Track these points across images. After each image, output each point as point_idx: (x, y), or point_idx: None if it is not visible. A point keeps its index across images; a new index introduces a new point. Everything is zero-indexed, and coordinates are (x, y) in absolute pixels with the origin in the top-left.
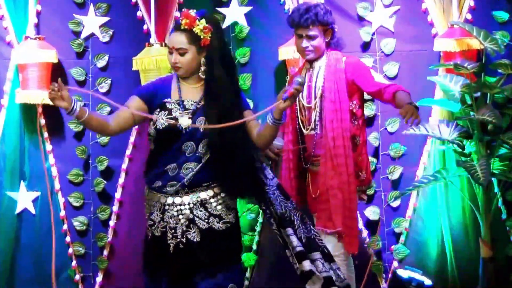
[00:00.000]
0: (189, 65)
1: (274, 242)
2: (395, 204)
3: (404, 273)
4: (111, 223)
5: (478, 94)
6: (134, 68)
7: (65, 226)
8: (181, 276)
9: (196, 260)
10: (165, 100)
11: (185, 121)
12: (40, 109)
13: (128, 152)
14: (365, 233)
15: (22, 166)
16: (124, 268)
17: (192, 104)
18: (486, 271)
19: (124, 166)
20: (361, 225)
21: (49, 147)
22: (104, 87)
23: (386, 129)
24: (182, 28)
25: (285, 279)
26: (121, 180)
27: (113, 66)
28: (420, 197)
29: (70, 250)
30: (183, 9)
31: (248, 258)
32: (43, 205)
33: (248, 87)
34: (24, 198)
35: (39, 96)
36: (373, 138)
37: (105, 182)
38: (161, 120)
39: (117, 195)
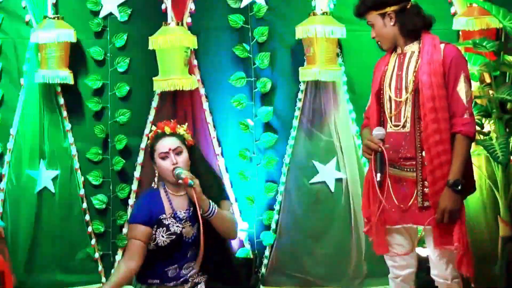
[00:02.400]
0: (186, 163)
1: (293, 221)
2: None
3: (423, 252)
4: (130, 201)
5: (497, 72)
6: (150, 47)
7: (84, 205)
8: None
9: None
10: (161, 217)
11: (189, 232)
12: (59, 88)
13: (146, 131)
14: None
15: (41, 145)
16: None
17: (184, 213)
18: (505, 249)
19: (143, 145)
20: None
21: (68, 126)
22: (122, 66)
23: None
24: (168, 133)
25: (304, 258)
26: (140, 159)
27: (131, 46)
28: None
29: (90, 229)
30: (157, 123)
31: (267, 237)
32: (62, 183)
33: (266, 65)
34: (43, 177)
35: (58, 76)
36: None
37: (124, 161)
38: (161, 237)
39: (136, 173)
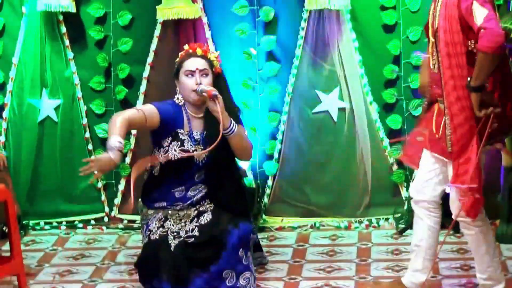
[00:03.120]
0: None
1: (296, 150)
2: (417, 112)
3: None
4: (133, 131)
5: (500, 1)
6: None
7: (87, 134)
8: (180, 274)
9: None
10: (178, 130)
11: (200, 155)
12: (61, 17)
13: (149, 59)
14: (386, 142)
15: (43, 74)
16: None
17: (199, 135)
18: (507, 180)
19: (145, 74)
20: (382, 134)
21: (70, 54)
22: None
23: (408, 37)
24: (199, 54)
25: (307, 188)
26: (142, 88)
27: None
28: None
29: (92, 158)
30: (189, 44)
31: (270, 167)
32: (65, 112)
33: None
34: (46, 106)
35: (60, 4)
36: (394, 46)
37: (127, 90)
38: (173, 151)
39: (139, 103)
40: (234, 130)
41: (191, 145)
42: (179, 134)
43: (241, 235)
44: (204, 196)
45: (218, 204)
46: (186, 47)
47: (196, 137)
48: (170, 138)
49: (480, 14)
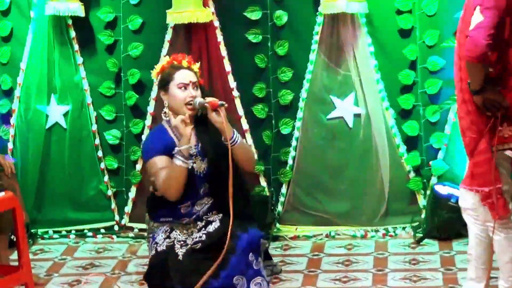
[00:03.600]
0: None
1: (310, 157)
2: (434, 118)
3: (443, 190)
4: (144, 137)
5: None
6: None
7: (96, 141)
8: (189, 283)
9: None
10: (173, 151)
11: (200, 167)
12: (70, 21)
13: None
14: (402, 149)
15: (52, 80)
16: None
17: (193, 149)
18: None
19: None
20: (398, 140)
21: (79, 60)
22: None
23: (424, 41)
24: (186, 66)
25: (321, 195)
26: (153, 93)
27: None
28: None
29: (103, 165)
30: (171, 54)
31: (284, 174)
32: (74, 119)
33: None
34: (55, 112)
35: (69, 8)
36: (410, 51)
37: (137, 95)
38: None
39: (150, 108)
40: (237, 140)
41: (186, 161)
42: (175, 155)
43: (250, 240)
44: (210, 207)
45: (226, 213)
46: (167, 58)
47: (191, 152)
48: None
49: (474, 21)
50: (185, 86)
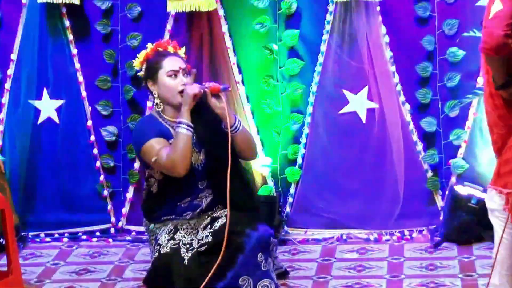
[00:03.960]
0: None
1: (321, 155)
2: (454, 114)
3: (463, 190)
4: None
5: None
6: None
7: (92, 137)
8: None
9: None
10: (170, 141)
11: (197, 159)
12: (64, 9)
13: None
14: (420, 146)
15: (45, 72)
16: None
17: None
18: None
19: None
20: (415, 137)
21: (74, 50)
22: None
23: (443, 31)
24: (173, 52)
25: (333, 196)
26: None
27: None
28: (481, 106)
29: (98, 164)
30: (155, 42)
31: (292, 173)
32: (68, 114)
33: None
34: (47, 106)
35: None
36: (428, 41)
37: (135, 89)
38: None
39: (149, 103)
40: (239, 127)
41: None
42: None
43: (260, 238)
44: (213, 200)
45: (231, 208)
46: (150, 45)
47: None
48: None
49: (494, 9)
50: (175, 74)
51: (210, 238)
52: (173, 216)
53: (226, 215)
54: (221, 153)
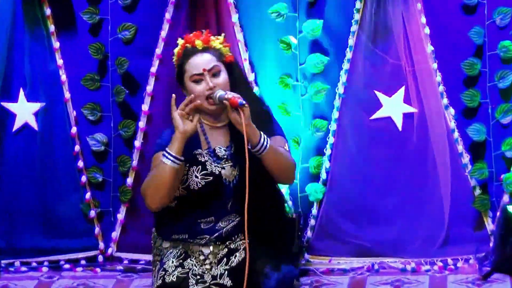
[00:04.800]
0: (227, 85)
1: (348, 169)
2: (506, 120)
3: None
4: (137, 143)
5: None
6: None
7: (77, 147)
8: None
9: None
10: (196, 151)
11: (230, 174)
12: None
13: (158, 50)
14: (466, 158)
15: (20, 70)
16: None
17: (224, 151)
18: None
19: (153, 69)
20: (461, 147)
21: (55, 44)
22: None
23: (494, 21)
24: (201, 48)
25: (362, 218)
26: (149, 87)
27: None
28: None
29: (84, 178)
30: (184, 36)
31: (315, 191)
32: (48, 119)
33: None
34: (24, 111)
35: None
36: (476, 34)
37: (128, 90)
38: (194, 179)
39: (144, 106)
40: (266, 146)
41: (215, 165)
42: (197, 156)
43: (281, 280)
44: (236, 226)
45: (255, 237)
46: (180, 41)
47: (220, 154)
48: (187, 165)
49: None
50: (199, 78)
51: (227, 279)
52: (186, 237)
53: (244, 248)
54: (256, 173)
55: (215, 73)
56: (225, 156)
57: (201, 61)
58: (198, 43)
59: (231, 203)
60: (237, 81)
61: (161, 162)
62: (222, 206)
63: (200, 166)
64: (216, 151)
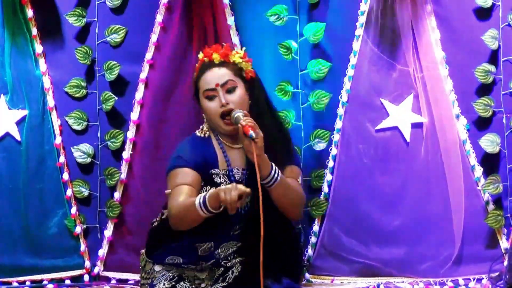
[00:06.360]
0: (243, 103)
1: (352, 182)
2: None
3: None
4: (125, 154)
5: None
6: None
7: (61, 159)
8: None
9: None
10: (213, 171)
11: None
12: None
13: (148, 55)
14: (479, 171)
15: (1, 76)
16: (142, 216)
17: (241, 174)
18: None
19: (143, 75)
20: (473, 160)
21: (38, 48)
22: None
23: (509, 24)
24: (217, 62)
25: (367, 235)
26: (138, 94)
27: None
28: None
29: (69, 192)
30: (203, 49)
31: (316, 206)
32: (31, 128)
33: None
34: (5, 119)
35: None
36: (490, 38)
37: (116, 98)
38: None
39: (133, 115)
40: (276, 179)
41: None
42: (213, 176)
43: None
44: (235, 251)
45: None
46: (200, 55)
47: (237, 176)
48: (202, 183)
49: None
50: (213, 94)
51: None
52: (181, 261)
53: (240, 262)
54: (266, 202)
55: (229, 89)
56: (241, 179)
57: (215, 76)
58: (216, 57)
59: (235, 228)
60: (257, 100)
61: (196, 209)
62: (225, 232)
63: (214, 187)
64: (233, 172)
